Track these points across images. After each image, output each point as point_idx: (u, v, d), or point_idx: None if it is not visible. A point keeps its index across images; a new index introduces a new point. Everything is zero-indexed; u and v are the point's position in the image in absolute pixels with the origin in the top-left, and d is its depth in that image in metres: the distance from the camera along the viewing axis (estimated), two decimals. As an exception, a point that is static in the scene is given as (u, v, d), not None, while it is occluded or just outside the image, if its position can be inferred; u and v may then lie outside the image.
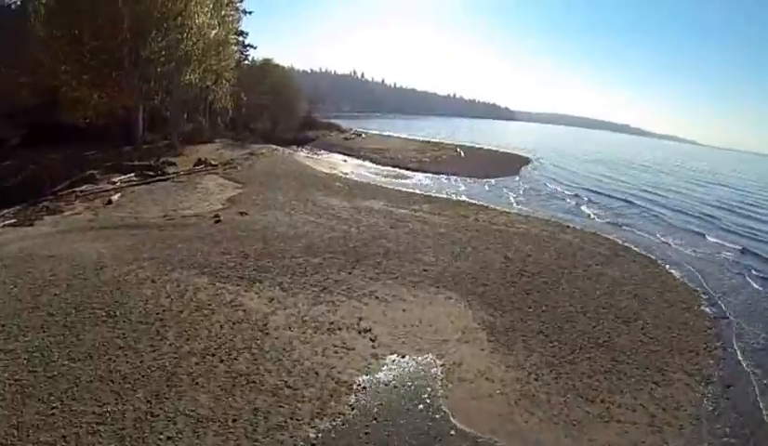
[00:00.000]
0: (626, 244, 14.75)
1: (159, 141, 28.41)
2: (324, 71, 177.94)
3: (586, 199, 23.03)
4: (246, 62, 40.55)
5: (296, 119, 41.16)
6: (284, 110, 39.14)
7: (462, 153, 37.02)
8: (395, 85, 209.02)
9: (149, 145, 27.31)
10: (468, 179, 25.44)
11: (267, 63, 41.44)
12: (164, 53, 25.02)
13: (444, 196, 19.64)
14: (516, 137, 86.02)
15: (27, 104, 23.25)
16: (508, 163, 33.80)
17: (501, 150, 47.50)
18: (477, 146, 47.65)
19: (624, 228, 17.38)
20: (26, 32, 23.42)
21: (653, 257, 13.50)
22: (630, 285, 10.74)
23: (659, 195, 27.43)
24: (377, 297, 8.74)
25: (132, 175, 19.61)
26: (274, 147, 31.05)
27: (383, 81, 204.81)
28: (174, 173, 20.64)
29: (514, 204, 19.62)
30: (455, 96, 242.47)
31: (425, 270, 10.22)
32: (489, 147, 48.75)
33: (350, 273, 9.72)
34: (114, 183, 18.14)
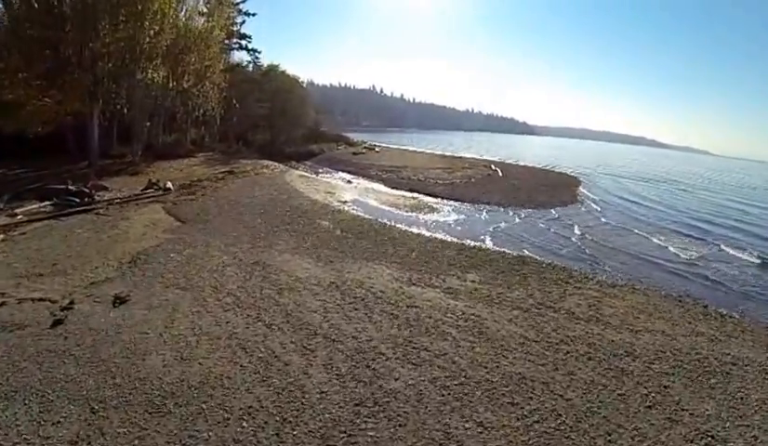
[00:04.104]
0: None
1: (129, 155, 22.32)
2: (343, 85, 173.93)
3: (692, 249, 14.73)
4: (260, 71, 34.46)
5: (300, 130, 34.30)
6: (287, 120, 32.34)
7: (499, 172, 29.08)
8: (414, 100, 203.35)
9: (114, 159, 21.22)
10: (518, 211, 17.59)
11: (272, 69, 34.96)
12: (122, 45, 18.74)
13: (496, 249, 11.50)
14: (541, 151, 77.66)
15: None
16: (558, 186, 25.61)
17: (540, 166, 39.24)
18: (511, 162, 39.73)
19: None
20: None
21: None
22: None
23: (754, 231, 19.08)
24: None
25: (49, 203, 13.40)
26: (266, 163, 24.19)
27: (402, 96, 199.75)
28: (107, 200, 14.21)
29: (608, 263, 11.67)
30: (473, 111, 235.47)
31: None
32: (524, 163, 40.73)
33: None
34: (15, 216, 11.97)
